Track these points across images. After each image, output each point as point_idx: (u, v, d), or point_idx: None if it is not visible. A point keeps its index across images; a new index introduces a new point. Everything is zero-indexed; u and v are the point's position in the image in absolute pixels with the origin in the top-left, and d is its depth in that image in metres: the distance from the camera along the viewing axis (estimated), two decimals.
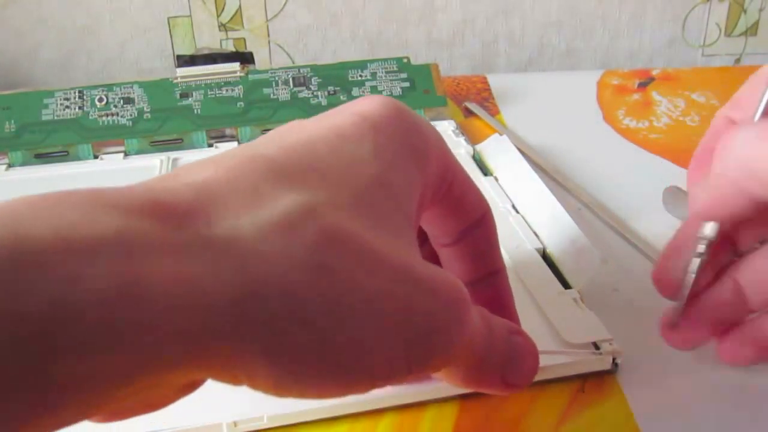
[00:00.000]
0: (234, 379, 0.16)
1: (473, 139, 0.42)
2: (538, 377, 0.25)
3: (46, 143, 0.40)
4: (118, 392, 0.14)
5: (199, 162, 0.17)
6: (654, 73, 0.53)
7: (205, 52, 0.44)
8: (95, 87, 0.41)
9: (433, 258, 0.24)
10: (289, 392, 0.16)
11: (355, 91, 0.43)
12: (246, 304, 0.15)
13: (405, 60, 0.45)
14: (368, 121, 0.19)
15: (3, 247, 0.13)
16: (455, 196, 0.22)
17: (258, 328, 0.15)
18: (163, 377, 0.14)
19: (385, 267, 0.17)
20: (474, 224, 0.23)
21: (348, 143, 0.18)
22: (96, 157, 0.41)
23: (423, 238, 0.24)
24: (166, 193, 0.15)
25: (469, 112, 0.48)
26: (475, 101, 0.49)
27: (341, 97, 0.43)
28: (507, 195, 0.36)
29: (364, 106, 0.20)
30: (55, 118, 0.41)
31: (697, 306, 0.25)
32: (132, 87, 0.42)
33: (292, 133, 0.19)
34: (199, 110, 0.42)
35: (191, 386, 0.17)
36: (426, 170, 0.20)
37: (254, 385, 0.16)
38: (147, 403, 0.17)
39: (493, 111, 0.48)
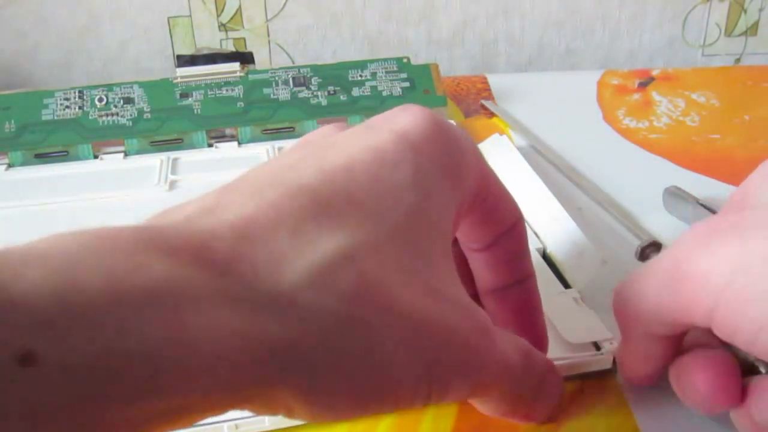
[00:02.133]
0: (273, 413, 0.17)
1: (473, 139, 0.42)
2: None
3: (46, 143, 0.40)
4: (161, 430, 0.14)
5: (242, 190, 0.17)
6: (654, 73, 0.53)
7: (205, 52, 0.44)
8: (95, 87, 0.41)
9: (461, 260, 0.24)
10: (324, 420, 0.17)
11: (355, 91, 0.43)
12: (285, 354, 0.15)
13: (405, 60, 0.45)
14: (407, 141, 0.19)
15: (55, 293, 0.13)
16: (489, 206, 0.22)
17: (297, 375, 0.15)
18: (204, 416, 0.15)
19: (417, 316, 0.17)
20: (505, 231, 0.22)
21: (387, 169, 0.18)
22: (96, 157, 0.41)
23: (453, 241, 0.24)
24: (210, 236, 0.16)
25: (484, 109, 0.48)
26: (475, 101, 0.49)
27: (341, 97, 0.43)
28: None
29: (402, 122, 0.20)
30: (55, 118, 0.41)
31: None
32: (132, 87, 0.42)
33: (331, 155, 0.19)
34: (199, 110, 0.42)
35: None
36: (462, 188, 0.20)
37: (292, 416, 0.17)
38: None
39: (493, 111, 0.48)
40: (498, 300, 0.23)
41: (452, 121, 0.43)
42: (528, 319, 0.23)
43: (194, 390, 0.14)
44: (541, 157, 0.42)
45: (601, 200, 0.37)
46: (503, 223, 0.22)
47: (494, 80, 0.52)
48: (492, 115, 0.47)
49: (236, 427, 0.23)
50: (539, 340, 0.24)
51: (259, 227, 0.16)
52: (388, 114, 0.20)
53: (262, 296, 0.15)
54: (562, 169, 0.40)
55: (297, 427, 0.24)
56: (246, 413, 0.23)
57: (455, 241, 0.23)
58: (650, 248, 0.24)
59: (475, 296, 0.24)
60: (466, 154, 0.20)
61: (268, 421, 0.23)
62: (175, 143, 0.41)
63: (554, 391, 0.23)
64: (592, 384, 0.26)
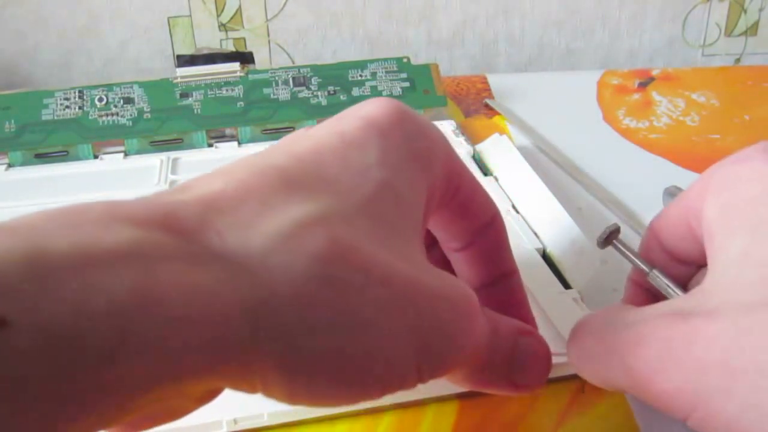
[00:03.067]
0: (250, 387, 0.16)
1: (473, 139, 0.42)
2: None
3: (46, 143, 0.40)
4: (137, 402, 0.14)
5: (211, 174, 0.18)
6: (654, 73, 0.53)
7: (205, 52, 0.44)
8: (95, 87, 0.41)
9: (444, 263, 0.24)
10: (302, 400, 0.16)
11: (355, 91, 0.43)
12: (258, 313, 0.15)
13: (405, 60, 0.44)
14: (374, 125, 0.19)
15: (23, 257, 0.13)
16: (463, 200, 0.22)
17: (270, 337, 0.15)
18: (181, 387, 0.15)
19: (393, 277, 0.17)
20: (483, 227, 0.22)
21: (354, 149, 0.19)
22: (96, 157, 0.41)
23: (432, 242, 0.24)
24: (178, 206, 0.16)
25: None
26: (475, 101, 0.49)
27: (341, 97, 0.43)
28: (507, 195, 0.36)
29: (369, 110, 0.20)
30: (55, 118, 0.41)
31: None
32: (132, 87, 0.42)
33: (300, 141, 0.19)
34: (199, 110, 0.42)
35: (210, 395, 0.17)
36: (432, 174, 0.20)
37: (269, 393, 0.16)
38: (166, 413, 0.17)
39: (494, 111, 0.48)
40: (483, 298, 0.23)
41: (450, 120, 0.43)
42: (516, 314, 0.23)
43: (166, 353, 0.14)
44: (545, 156, 0.42)
45: (606, 200, 0.37)
46: (480, 218, 0.22)
47: (494, 80, 0.52)
48: (492, 115, 0.47)
49: (235, 422, 0.23)
50: None
51: (226, 199, 0.16)
52: (360, 104, 0.21)
53: (232, 258, 0.15)
54: (566, 169, 0.40)
55: (297, 424, 0.24)
56: (245, 409, 0.23)
57: (435, 243, 0.23)
58: (614, 234, 0.24)
59: None
60: (434, 142, 0.20)
61: (267, 416, 0.23)
62: (175, 143, 0.41)
63: (532, 355, 0.21)
64: (592, 384, 0.26)
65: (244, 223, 0.16)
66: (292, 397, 0.16)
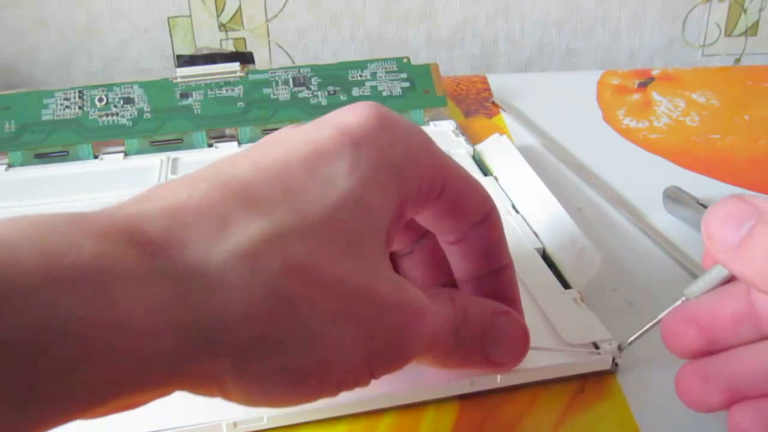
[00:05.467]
0: (209, 393, 0.17)
1: (473, 139, 0.42)
2: (537, 377, 0.25)
3: (46, 143, 0.40)
4: (95, 408, 0.15)
5: (178, 182, 0.18)
6: (654, 73, 0.53)
7: (205, 52, 0.44)
8: (95, 87, 0.41)
9: (436, 254, 0.24)
10: (260, 404, 0.17)
11: (355, 91, 0.43)
12: (212, 329, 0.16)
13: (405, 60, 0.44)
14: (347, 135, 0.19)
15: None
16: (452, 198, 0.22)
17: (224, 352, 0.16)
18: (140, 393, 0.15)
19: (345, 289, 0.18)
20: (478, 223, 0.23)
21: (324, 160, 0.19)
22: (96, 157, 0.41)
23: (421, 233, 0.24)
24: (142, 218, 0.16)
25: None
26: (475, 101, 0.49)
27: (341, 97, 0.43)
28: (507, 195, 0.36)
29: (345, 117, 0.20)
30: (55, 118, 0.41)
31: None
32: (132, 87, 0.42)
33: (271, 149, 0.19)
34: (199, 110, 0.42)
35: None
36: (406, 180, 0.20)
37: (227, 398, 0.17)
38: (126, 405, 0.17)
39: (494, 111, 0.48)
40: (476, 289, 0.24)
41: (450, 120, 0.43)
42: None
43: (124, 365, 0.14)
44: (547, 156, 0.42)
45: (613, 199, 0.37)
46: (473, 215, 0.22)
47: (494, 80, 0.52)
48: (492, 115, 0.47)
49: (234, 425, 0.23)
50: None
51: (189, 212, 0.17)
52: (337, 111, 0.21)
53: (190, 274, 0.16)
54: (573, 168, 0.40)
55: (296, 426, 0.24)
56: (244, 412, 0.23)
57: (424, 234, 0.24)
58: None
59: (453, 285, 0.24)
60: (411, 145, 0.20)
61: (267, 419, 0.23)
62: (175, 143, 0.41)
63: (508, 332, 0.23)
64: (592, 384, 0.26)
65: (206, 238, 0.16)
66: (249, 402, 0.17)
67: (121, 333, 0.14)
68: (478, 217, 0.22)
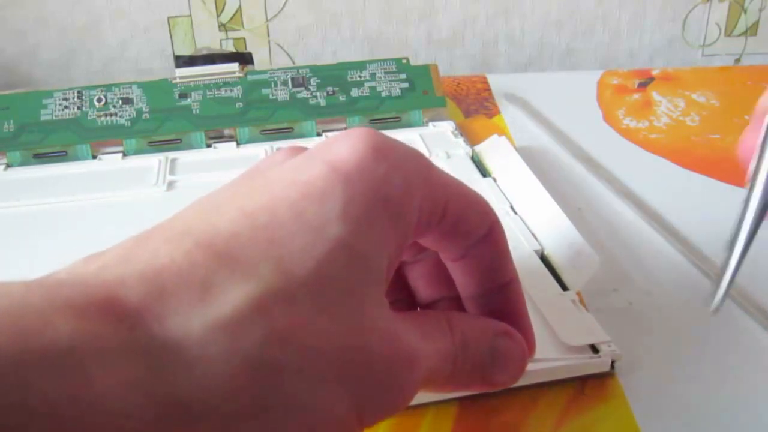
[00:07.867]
0: None
1: (473, 139, 0.42)
2: (536, 380, 0.25)
3: (44, 143, 0.40)
4: None
5: (158, 239, 0.17)
6: (654, 73, 0.53)
7: (204, 52, 0.44)
8: (94, 87, 0.41)
9: (438, 270, 0.23)
10: None
11: (354, 92, 0.43)
12: (192, 405, 0.15)
13: (404, 61, 0.44)
14: (339, 172, 0.18)
15: None
16: (453, 220, 0.21)
17: (205, 427, 0.15)
18: None
19: (333, 351, 0.17)
20: (480, 240, 0.22)
21: (313, 202, 0.18)
22: (94, 157, 0.41)
23: (417, 249, 0.23)
24: (121, 285, 0.16)
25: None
26: (475, 101, 0.49)
27: (340, 97, 0.43)
28: (505, 196, 0.36)
29: (336, 151, 0.19)
30: (54, 118, 0.41)
31: None
32: (131, 87, 0.42)
33: (259, 190, 0.18)
34: (198, 110, 0.42)
35: None
36: (405, 215, 0.19)
37: None
38: None
39: (494, 111, 0.48)
40: (480, 306, 0.23)
41: (450, 121, 0.43)
42: (511, 322, 0.23)
43: None
44: (547, 156, 0.42)
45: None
46: (474, 233, 0.22)
47: (494, 80, 0.52)
48: (492, 115, 0.47)
49: None
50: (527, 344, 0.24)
51: (169, 277, 0.16)
52: (329, 141, 0.20)
53: (168, 348, 0.15)
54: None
55: None
56: None
57: (421, 251, 0.23)
58: None
59: (458, 301, 0.23)
60: (409, 177, 0.19)
61: None
62: (174, 143, 0.41)
63: (509, 354, 0.22)
64: (592, 386, 0.26)
65: (187, 305, 0.16)
66: None
67: (96, 415, 0.14)
68: (481, 235, 0.22)
